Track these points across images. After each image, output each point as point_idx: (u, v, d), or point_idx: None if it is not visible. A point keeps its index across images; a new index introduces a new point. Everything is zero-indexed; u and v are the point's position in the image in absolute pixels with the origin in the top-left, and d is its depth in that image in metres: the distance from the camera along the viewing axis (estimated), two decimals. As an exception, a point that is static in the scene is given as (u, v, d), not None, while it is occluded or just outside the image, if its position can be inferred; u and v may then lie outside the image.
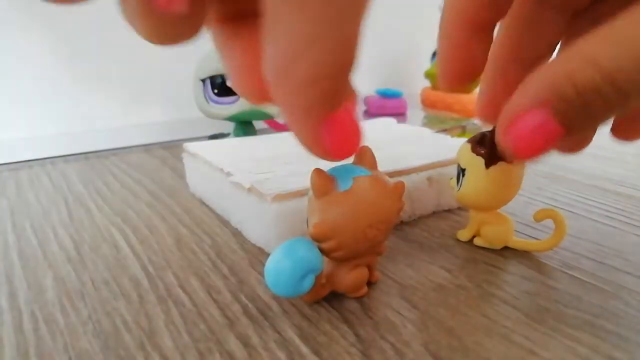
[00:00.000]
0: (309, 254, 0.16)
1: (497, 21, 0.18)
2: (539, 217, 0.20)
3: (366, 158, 0.18)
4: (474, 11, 0.18)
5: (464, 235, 0.23)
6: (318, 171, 0.16)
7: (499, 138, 0.17)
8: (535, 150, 0.16)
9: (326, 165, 0.18)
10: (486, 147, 0.20)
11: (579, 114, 0.15)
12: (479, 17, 0.18)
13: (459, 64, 0.18)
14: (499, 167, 0.19)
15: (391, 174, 0.23)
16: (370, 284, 0.19)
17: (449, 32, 0.18)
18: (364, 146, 0.18)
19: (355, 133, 0.16)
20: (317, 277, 0.17)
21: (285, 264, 0.16)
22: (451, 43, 0.18)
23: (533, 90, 0.16)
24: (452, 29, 0.18)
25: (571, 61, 0.15)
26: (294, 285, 0.16)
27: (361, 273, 0.18)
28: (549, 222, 0.21)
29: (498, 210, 0.22)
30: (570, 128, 0.15)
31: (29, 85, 0.37)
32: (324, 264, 0.18)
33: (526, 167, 0.20)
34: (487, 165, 0.20)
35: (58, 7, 0.37)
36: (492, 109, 0.18)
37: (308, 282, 0.16)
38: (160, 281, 0.20)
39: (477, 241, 0.22)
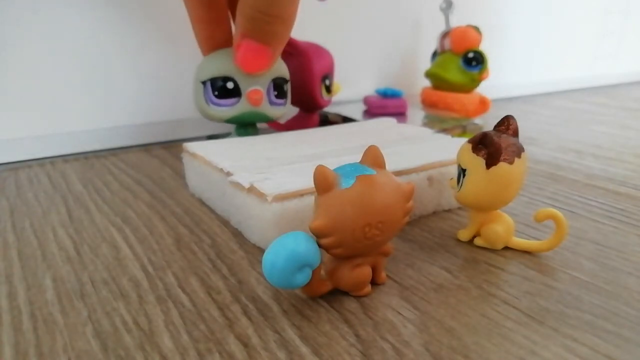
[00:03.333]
0: (306, 248, 0.16)
1: None
2: (539, 217, 0.20)
3: (373, 157, 0.18)
4: None
5: (464, 235, 0.23)
6: (321, 168, 0.16)
7: (236, 63, 0.28)
8: (255, 63, 0.28)
9: (332, 163, 0.18)
10: (487, 147, 0.20)
11: (262, 33, 0.26)
12: None
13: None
14: (500, 167, 0.19)
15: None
16: (374, 284, 0.19)
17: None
18: (371, 145, 0.18)
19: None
20: (315, 272, 0.17)
21: (281, 255, 0.16)
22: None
23: (236, 30, 0.27)
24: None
25: (243, 9, 0.26)
26: (289, 277, 0.16)
27: (363, 272, 0.18)
28: (549, 222, 0.21)
29: (498, 211, 0.22)
30: (268, 43, 0.27)
31: (28, 84, 0.37)
32: (330, 261, 0.18)
33: (525, 167, 0.20)
34: (488, 165, 0.19)
35: (58, 7, 0.37)
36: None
37: (304, 276, 0.16)
38: (159, 281, 0.20)
39: (478, 241, 0.22)
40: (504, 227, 0.21)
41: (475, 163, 0.20)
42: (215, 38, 0.30)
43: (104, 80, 0.40)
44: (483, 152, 0.20)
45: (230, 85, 0.30)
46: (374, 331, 0.16)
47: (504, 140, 0.19)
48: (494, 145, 0.19)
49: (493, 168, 0.19)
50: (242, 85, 0.30)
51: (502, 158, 0.19)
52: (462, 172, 0.21)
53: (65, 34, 0.38)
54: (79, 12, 0.38)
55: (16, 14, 0.36)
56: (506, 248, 0.22)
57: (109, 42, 0.40)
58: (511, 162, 0.19)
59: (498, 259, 0.21)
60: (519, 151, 0.20)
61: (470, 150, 0.20)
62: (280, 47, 0.28)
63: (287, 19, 0.26)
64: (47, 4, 0.37)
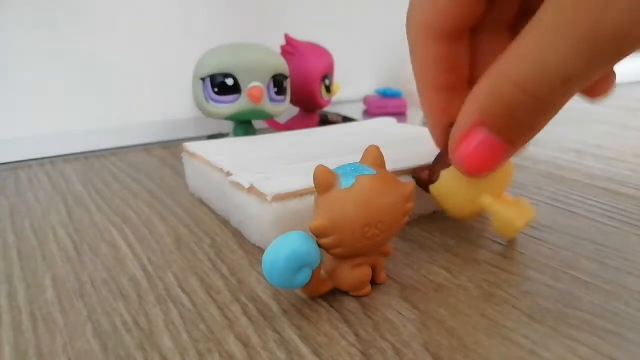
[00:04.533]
0: (306, 248, 0.16)
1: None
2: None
3: (373, 157, 0.18)
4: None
5: (499, 228, 0.22)
6: (321, 168, 0.16)
7: (452, 159, 0.19)
8: (485, 165, 0.18)
9: (332, 163, 0.18)
10: (416, 180, 0.23)
11: (512, 125, 0.17)
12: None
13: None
14: (440, 181, 0.21)
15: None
16: (374, 284, 0.19)
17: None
18: (372, 145, 0.18)
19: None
20: (315, 272, 0.17)
21: (281, 255, 0.16)
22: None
23: (469, 110, 0.17)
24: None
25: (493, 80, 0.16)
26: (289, 277, 0.16)
27: (363, 272, 0.18)
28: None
29: (507, 197, 0.22)
30: (510, 139, 0.17)
31: (28, 84, 0.37)
32: (330, 261, 0.18)
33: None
34: (426, 190, 0.22)
35: (59, 8, 0.37)
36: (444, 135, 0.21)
37: (304, 276, 0.16)
38: (159, 281, 0.20)
39: (498, 228, 0.22)
40: (502, 217, 0.21)
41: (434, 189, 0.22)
42: (452, 111, 0.20)
43: (103, 80, 0.40)
44: (420, 182, 0.23)
45: (230, 81, 0.30)
46: (374, 331, 0.16)
47: (435, 161, 0.22)
48: (418, 177, 0.23)
49: (432, 187, 0.22)
50: (242, 82, 0.30)
51: (434, 177, 0.21)
52: None
53: (65, 34, 0.38)
54: (79, 12, 0.38)
55: (16, 14, 0.36)
56: (506, 248, 0.22)
57: (108, 42, 0.40)
58: (436, 179, 0.21)
59: (498, 259, 0.21)
60: (443, 166, 0.21)
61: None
62: (519, 148, 0.18)
63: (552, 107, 0.16)
64: (46, 4, 0.37)
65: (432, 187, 0.22)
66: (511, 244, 0.22)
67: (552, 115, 0.17)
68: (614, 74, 0.19)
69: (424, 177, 0.23)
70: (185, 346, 0.16)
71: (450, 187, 0.21)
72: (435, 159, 0.22)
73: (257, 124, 0.34)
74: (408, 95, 0.51)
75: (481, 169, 0.18)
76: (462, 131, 0.18)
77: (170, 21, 0.42)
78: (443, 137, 0.21)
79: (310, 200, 0.21)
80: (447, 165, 0.21)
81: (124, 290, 0.19)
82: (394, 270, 0.20)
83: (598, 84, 0.19)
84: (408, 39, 0.21)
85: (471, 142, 0.18)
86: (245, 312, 0.17)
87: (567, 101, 0.16)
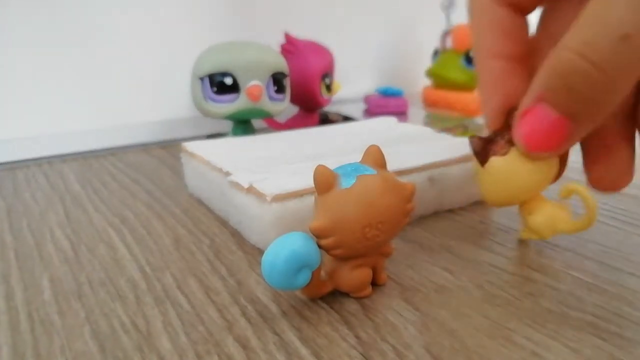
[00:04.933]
0: (306, 248, 0.16)
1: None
2: (563, 193, 0.20)
3: (374, 157, 0.17)
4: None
5: (524, 234, 0.22)
6: (321, 168, 0.16)
7: (514, 136, 0.18)
8: (544, 143, 0.17)
9: (332, 163, 0.18)
10: (473, 148, 0.20)
11: (571, 99, 0.16)
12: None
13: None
14: (491, 162, 0.19)
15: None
16: (375, 285, 0.19)
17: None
18: (372, 145, 0.18)
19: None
20: (315, 273, 0.17)
21: (280, 255, 0.16)
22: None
23: (532, 89, 0.17)
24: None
25: (554, 53, 0.16)
26: (289, 278, 0.16)
27: (364, 273, 0.18)
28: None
29: (542, 199, 0.21)
30: (572, 115, 0.16)
31: (26, 84, 0.37)
32: (330, 261, 0.18)
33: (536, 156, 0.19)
34: (482, 164, 0.20)
35: (58, 7, 0.37)
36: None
37: (304, 277, 0.16)
38: (158, 282, 0.19)
39: (523, 234, 0.22)
40: (544, 215, 0.20)
41: (476, 166, 0.20)
42: (508, 82, 0.19)
43: (102, 79, 0.40)
44: (474, 153, 0.20)
45: (229, 80, 0.29)
46: (374, 333, 0.16)
47: (491, 136, 0.19)
48: (474, 143, 0.20)
49: (487, 165, 0.19)
50: (241, 81, 0.30)
51: (490, 153, 0.19)
52: None
53: (64, 34, 0.38)
54: (78, 12, 0.38)
55: (14, 14, 0.36)
56: (505, 247, 0.22)
57: (107, 42, 0.40)
58: (504, 154, 0.19)
59: (500, 260, 0.21)
60: (496, 147, 0.19)
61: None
62: (585, 129, 0.17)
63: (611, 77, 0.15)
64: (44, 4, 0.37)
65: (493, 161, 0.19)
66: (512, 244, 0.22)
67: (613, 90, 0.16)
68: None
69: (477, 148, 0.20)
70: (184, 348, 0.16)
71: (512, 167, 0.19)
72: (489, 137, 0.20)
73: (257, 123, 0.34)
74: (409, 95, 0.51)
75: (542, 147, 0.17)
76: (524, 107, 0.17)
77: (169, 20, 0.42)
78: (498, 114, 0.19)
79: (310, 200, 0.21)
80: (500, 146, 0.19)
81: (122, 291, 0.19)
82: (395, 271, 0.20)
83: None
84: (468, 7, 0.20)
85: (532, 118, 0.17)
86: (244, 314, 0.17)
87: (627, 76, 0.15)
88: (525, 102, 0.17)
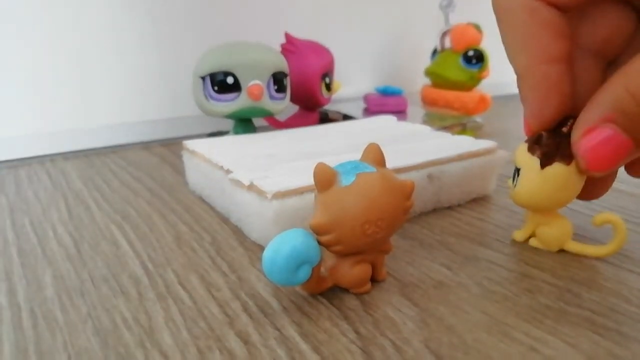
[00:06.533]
0: (306, 245, 0.16)
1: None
2: (597, 221, 0.20)
3: (373, 155, 0.18)
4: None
5: (519, 235, 0.22)
6: (321, 165, 0.16)
7: (574, 150, 0.18)
8: (606, 162, 0.17)
9: (332, 161, 0.18)
10: (542, 147, 0.19)
11: None
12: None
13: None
14: (554, 167, 0.19)
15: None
16: (374, 281, 0.19)
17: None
18: (372, 143, 0.18)
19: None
20: (315, 269, 0.17)
21: (281, 252, 0.16)
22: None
23: (598, 106, 0.17)
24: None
25: (628, 74, 0.15)
26: (289, 274, 0.16)
27: (363, 269, 0.18)
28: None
29: (557, 212, 0.21)
30: (637, 138, 0.16)
31: (28, 82, 0.37)
32: (330, 258, 0.18)
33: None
34: (543, 165, 0.19)
35: (57, 7, 0.37)
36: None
37: (304, 273, 0.16)
38: (159, 278, 0.20)
39: (533, 242, 0.22)
40: (560, 229, 0.21)
41: (530, 163, 0.19)
42: (564, 87, 0.18)
43: (103, 78, 0.40)
44: (538, 151, 0.19)
45: (230, 79, 0.30)
46: (374, 328, 0.16)
47: (561, 140, 0.19)
48: (549, 144, 0.19)
49: (547, 168, 0.19)
50: (242, 80, 0.30)
51: (557, 158, 0.19)
52: (517, 171, 0.20)
53: (64, 33, 0.38)
54: (78, 11, 0.38)
55: (14, 13, 0.36)
56: (505, 246, 0.22)
57: (108, 40, 0.40)
58: (568, 163, 0.18)
59: (498, 257, 0.21)
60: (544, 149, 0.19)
61: (526, 150, 0.19)
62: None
63: None
64: (46, 4, 0.37)
65: (557, 167, 0.19)
66: (510, 241, 0.22)
67: None
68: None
69: (548, 151, 0.19)
70: (186, 343, 0.16)
71: (571, 178, 0.19)
72: (556, 140, 0.19)
73: (257, 121, 0.34)
74: (408, 94, 0.51)
75: (604, 166, 0.17)
76: (589, 124, 0.17)
77: (169, 19, 0.42)
78: (551, 122, 0.19)
79: (310, 197, 0.21)
80: (567, 154, 0.18)
81: (124, 288, 0.19)
82: (394, 268, 0.20)
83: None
84: (501, 6, 0.18)
85: (597, 136, 0.17)
86: (245, 309, 0.17)
87: None
88: (590, 117, 0.17)
